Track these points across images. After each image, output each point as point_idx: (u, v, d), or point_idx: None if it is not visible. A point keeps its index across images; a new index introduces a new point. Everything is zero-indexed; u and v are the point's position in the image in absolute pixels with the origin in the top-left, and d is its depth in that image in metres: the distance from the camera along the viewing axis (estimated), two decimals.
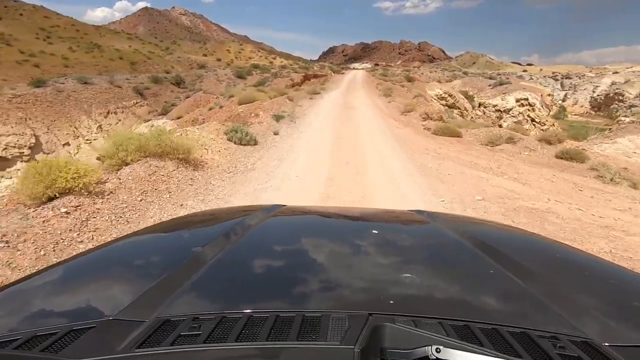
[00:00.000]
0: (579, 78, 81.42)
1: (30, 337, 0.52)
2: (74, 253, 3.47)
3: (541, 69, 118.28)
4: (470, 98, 34.80)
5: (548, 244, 1.25)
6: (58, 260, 1.05)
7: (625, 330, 0.61)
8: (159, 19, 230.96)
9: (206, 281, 0.74)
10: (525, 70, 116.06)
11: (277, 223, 1.23)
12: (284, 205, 1.44)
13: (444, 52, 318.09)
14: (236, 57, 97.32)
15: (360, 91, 26.26)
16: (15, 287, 0.78)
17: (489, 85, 39.86)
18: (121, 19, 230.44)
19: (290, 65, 71.98)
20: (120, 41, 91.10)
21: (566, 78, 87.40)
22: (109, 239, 3.75)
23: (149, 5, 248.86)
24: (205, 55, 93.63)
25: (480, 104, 30.38)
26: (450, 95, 30.76)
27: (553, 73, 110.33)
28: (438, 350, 0.42)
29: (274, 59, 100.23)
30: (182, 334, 0.51)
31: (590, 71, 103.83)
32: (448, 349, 0.42)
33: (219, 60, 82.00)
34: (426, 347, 0.43)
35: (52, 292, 0.78)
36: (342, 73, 64.26)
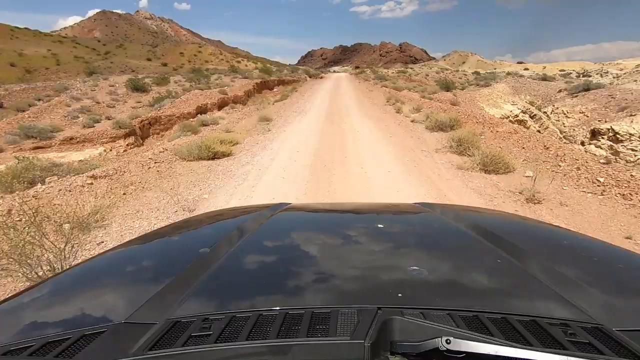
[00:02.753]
0: (601, 76, 67.86)
1: (44, 344, 0.53)
2: None
3: (544, 67, 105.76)
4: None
5: (556, 231, 1.23)
6: (68, 267, 1.01)
7: (635, 316, 0.60)
8: (118, 23, 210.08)
9: (215, 281, 0.73)
10: (526, 69, 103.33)
11: (282, 221, 1.21)
12: (289, 204, 1.41)
13: (426, 52, 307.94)
14: (190, 61, 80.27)
15: (368, 129, 9.80)
16: (27, 295, 0.79)
17: (559, 91, 24.93)
18: (74, 23, 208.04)
19: (255, 68, 55.88)
20: (42, 44, 72.24)
21: (584, 76, 73.94)
22: None
23: (113, 10, 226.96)
24: (149, 59, 76.19)
25: (598, 133, 14.80)
26: (532, 117, 15.63)
27: (560, 70, 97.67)
28: (448, 341, 0.42)
29: (239, 62, 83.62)
30: (193, 334, 0.51)
31: (602, 66, 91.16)
32: (458, 340, 0.42)
33: (164, 65, 64.77)
34: (436, 339, 0.42)
35: (63, 298, 0.78)
36: (321, 77, 48.32)
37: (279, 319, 0.53)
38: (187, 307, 0.61)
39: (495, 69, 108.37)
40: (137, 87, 21.42)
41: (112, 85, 22.27)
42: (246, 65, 73.86)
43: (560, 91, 25.06)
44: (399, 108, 11.84)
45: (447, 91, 16.65)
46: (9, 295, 0.83)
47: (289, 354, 0.47)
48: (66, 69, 51.73)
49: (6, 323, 0.66)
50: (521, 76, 38.42)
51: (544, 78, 30.43)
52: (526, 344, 0.47)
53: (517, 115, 15.71)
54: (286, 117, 11.36)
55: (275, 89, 33.37)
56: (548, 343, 0.48)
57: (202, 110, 15.47)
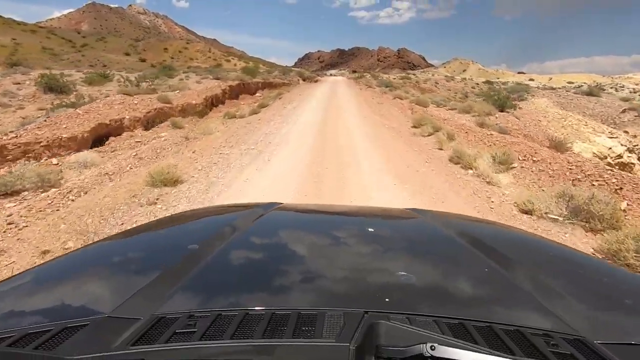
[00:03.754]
0: (616, 90, 63.06)
1: (24, 335, 0.51)
2: None
3: (550, 78, 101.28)
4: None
5: (542, 243, 1.24)
6: (52, 258, 1.03)
7: (617, 328, 0.61)
8: (108, 16, 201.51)
9: (202, 279, 0.73)
10: (531, 79, 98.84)
11: (273, 221, 1.19)
12: (281, 203, 1.39)
13: (424, 59, 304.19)
14: (173, 57, 73.40)
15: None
16: (9, 284, 0.77)
17: (623, 111, 19.35)
18: (62, 15, 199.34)
19: (240, 67, 49.75)
20: (9, 33, 65.36)
21: (597, 89, 69.16)
22: None
23: (105, 3, 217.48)
24: (127, 54, 69.29)
25: None
26: None
27: (569, 82, 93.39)
28: (433, 347, 0.42)
29: (228, 60, 77.30)
30: (177, 331, 0.51)
31: (612, 80, 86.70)
32: (442, 347, 0.42)
33: (142, 60, 58.23)
34: (421, 345, 0.42)
35: (47, 289, 0.77)
36: (316, 80, 42.52)
37: (265, 319, 0.53)
38: (172, 303, 0.60)
39: (498, 78, 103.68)
40: (54, 87, 15.16)
41: (19, 83, 15.98)
42: (235, 65, 67.97)
43: (624, 111, 19.49)
44: (458, 154, 5.79)
45: (502, 111, 10.88)
46: None
47: (274, 355, 0.47)
48: (19, 61, 45.06)
49: None
50: (552, 88, 32.84)
51: (590, 92, 24.82)
52: (509, 353, 0.47)
53: (620, 155, 9.93)
54: (224, 170, 5.27)
55: (257, 94, 27.28)
56: (530, 353, 0.48)
57: (107, 131, 9.32)
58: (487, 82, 49.98)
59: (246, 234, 1.00)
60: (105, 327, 0.53)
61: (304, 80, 45.01)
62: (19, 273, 0.84)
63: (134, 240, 1.09)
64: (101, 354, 0.46)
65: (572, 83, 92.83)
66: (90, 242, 3.43)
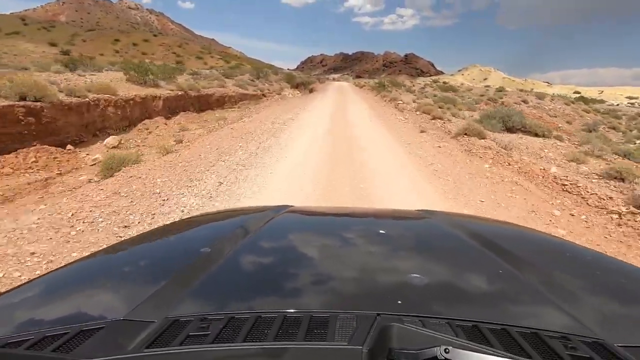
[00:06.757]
0: None
1: (42, 338, 0.52)
2: None
3: (601, 91, 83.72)
4: None
5: (559, 244, 1.21)
6: (68, 262, 1.03)
7: (638, 331, 0.60)
8: (91, 9, 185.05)
9: (214, 282, 0.73)
10: (577, 92, 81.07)
11: (284, 223, 1.19)
12: (292, 206, 1.40)
13: (433, 65, 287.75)
14: (119, 51, 56.32)
15: None
16: (26, 288, 0.78)
17: None
18: (39, 6, 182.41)
19: (221, 66, 32.35)
20: None
21: None
22: None
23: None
24: (53, 44, 52.18)
25: None
26: None
27: (629, 98, 74.81)
28: (447, 350, 0.41)
29: (200, 58, 60.12)
30: (190, 334, 0.51)
31: None
32: (457, 350, 0.41)
33: (65, 53, 40.98)
34: (435, 348, 0.41)
35: (63, 293, 0.78)
36: (311, 90, 24.76)
37: (277, 322, 0.53)
38: (186, 306, 0.61)
39: (532, 89, 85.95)
40: None
41: None
42: (205, 63, 50.15)
43: None
44: None
45: None
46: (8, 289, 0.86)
47: (286, 357, 0.47)
48: None
49: (4, 316, 0.66)
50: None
51: None
52: (526, 356, 0.46)
53: None
54: None
55: (107, 141, 9.75)
56: (548, 356, 0.47)
57: None
58: (581, 99, 32.38)
59: (257, 237, 1.00)
60: (120, 330, 0.54)
61: (295, 87, 26.88)
62: (36, 277, 0.85)
63: (147, 244, 1.09)
64: (116, 357, 0.46)
65: (636, 98, 73.36)
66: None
